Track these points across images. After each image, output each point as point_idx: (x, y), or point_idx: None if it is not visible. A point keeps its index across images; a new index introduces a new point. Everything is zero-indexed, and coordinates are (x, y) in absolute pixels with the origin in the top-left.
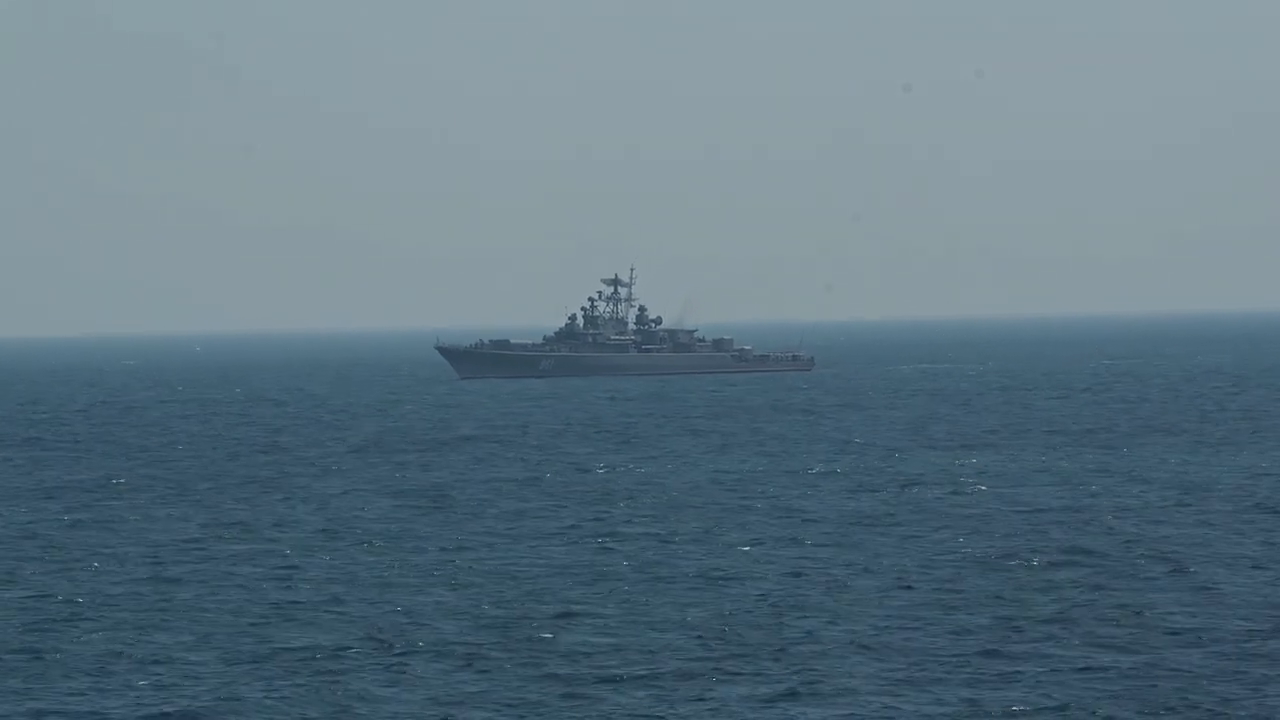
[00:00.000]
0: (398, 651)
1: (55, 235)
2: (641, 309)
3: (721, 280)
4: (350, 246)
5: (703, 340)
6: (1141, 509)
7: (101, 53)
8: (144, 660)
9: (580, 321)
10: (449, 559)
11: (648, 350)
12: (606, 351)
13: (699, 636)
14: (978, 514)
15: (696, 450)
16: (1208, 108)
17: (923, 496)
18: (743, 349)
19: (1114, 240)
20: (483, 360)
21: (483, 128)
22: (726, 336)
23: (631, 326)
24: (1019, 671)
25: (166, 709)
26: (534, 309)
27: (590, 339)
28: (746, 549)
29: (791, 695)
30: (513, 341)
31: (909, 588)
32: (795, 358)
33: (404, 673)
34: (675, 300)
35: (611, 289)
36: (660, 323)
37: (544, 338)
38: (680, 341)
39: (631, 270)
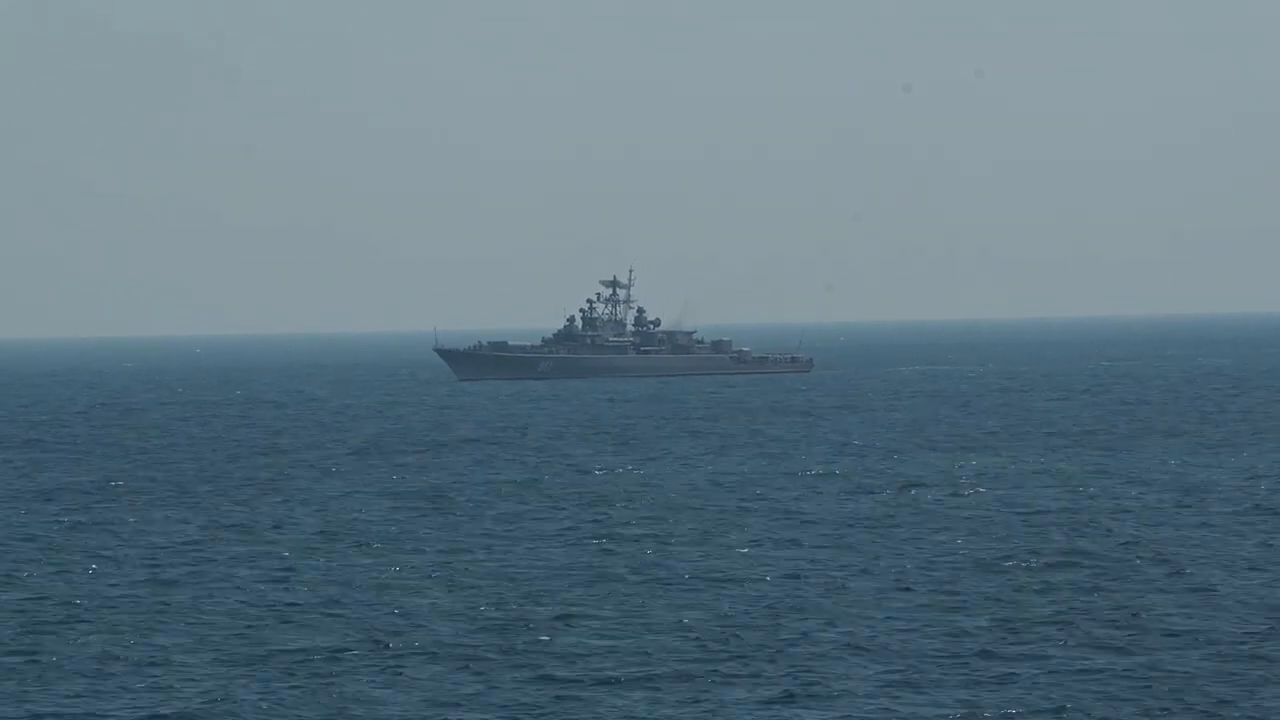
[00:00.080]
0: (395, 653)
1: (55, 235)
2: (640, 311)
3: (721, 280)
4: (350, 247)
5: (701, 342)
6: (1140, 511)
7: (101, 53)
8: (141, 662)
9: (579, 323)
10: (447, 560)
11: (646, 352)
12: (605, 353)
13: (697, 638)
14: (976, 516)
15: (695, 452)
16: (1208, 108)
17: (921, 498)
18: (741, 350)
19: (1114, 241)
20: (481, 362)
21: (483, 128)
22: (725, 338)
23: (630, 328)
24: (1016, 673)
25: (164, 711)
26: (533, 310)
27: (589, 341)
28: (745, 551)
29: (789, 697)
30: (511, 343)
31: (907, 589)
32: (794, 359)
33: (401, 674)
34: (675, 301)
35: (610, 291)
36: (659, 324)
37: (542, 339)
38: (679, 343)
39: (630, 272)
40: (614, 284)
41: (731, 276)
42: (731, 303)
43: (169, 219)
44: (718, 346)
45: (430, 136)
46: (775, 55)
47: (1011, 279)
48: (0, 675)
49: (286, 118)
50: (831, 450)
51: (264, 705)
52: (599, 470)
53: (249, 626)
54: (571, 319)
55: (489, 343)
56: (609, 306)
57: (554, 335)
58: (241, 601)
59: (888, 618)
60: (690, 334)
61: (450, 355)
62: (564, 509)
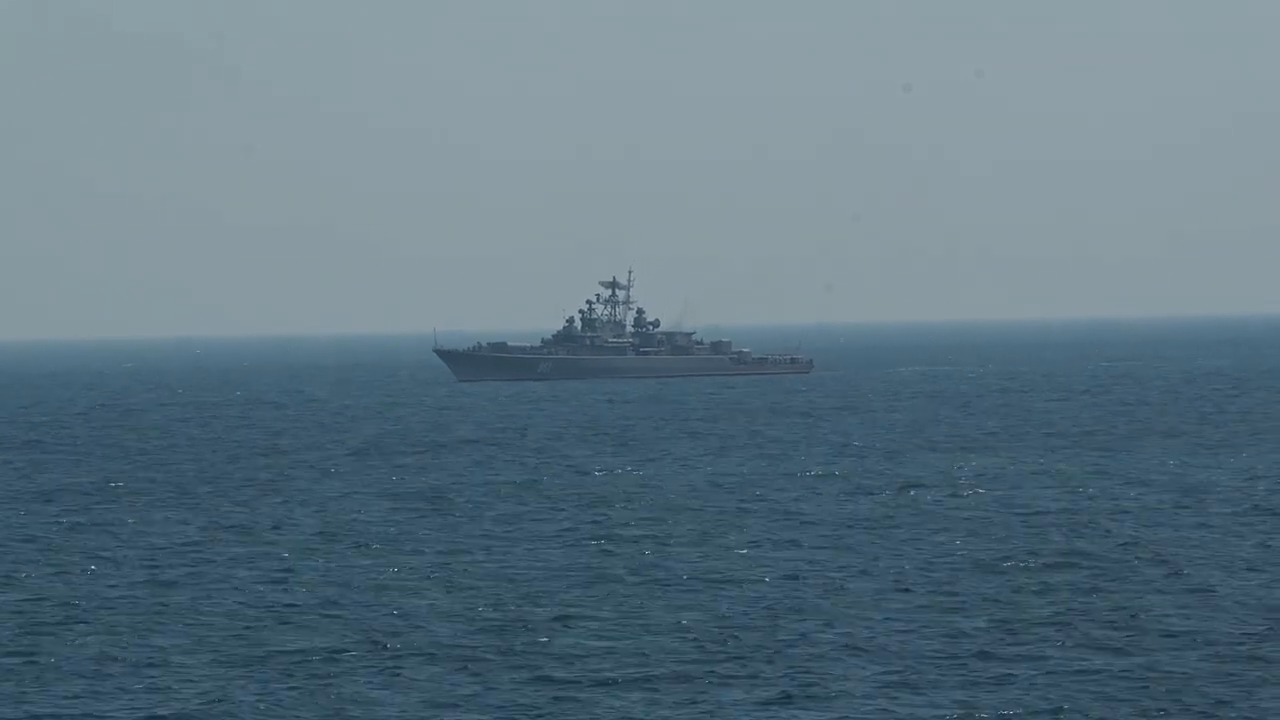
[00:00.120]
0: (393, 654)
1: (55, 235)
2: (640, 311)
3: (721, 280)
4: (350, 247)
5: (701, 343)
6: (1139, 511)
7: (101, 53)
8: (140, 663)
9: (578, 324)
10: (446, 561)
11: (646, 353)
12: (604, 354)
13: (695, 639)
14: (975, 516)
15: (694, 453)
16: (1208, 108)
17: (921, 499)
18: (741, 351)
19: (1114, 241)
20: (481, 363)
21: (483, 128)
22: (724, 339)
23: (629, 329)
24: (1014, 674)
25: (162, 712)
26: (533, 311)
27: (588, 342)
28: (744, 551)
29: (787, 698)
30: (510, 344)
31: (906, 590)
32: (793, 360)
33: (399, 675)
34: (675, 302)
35: (609, 292)
36: (658, 325)
37: (542, 340)
38: (678, 344)
39: (629, 273)
40: (613, 285)
41: (731, 277)
42: (732, 303)
43: (169, 219)
44: (717, 347)
45: (430, 136)
46: (775, 55)
47: (1011, 279)
48: None
49: (286, 118)
50: (831, 451)
51: (262, 706)
52: (598, 471)
53: (247, 627)
54: (571, 320)
55: (488, 344)
56: (608, 307)
57: (553, 336)
58: (240, 602)
59: (886, 619)
60: (689, 335)
61: (449, 356)
62: (563, 510)
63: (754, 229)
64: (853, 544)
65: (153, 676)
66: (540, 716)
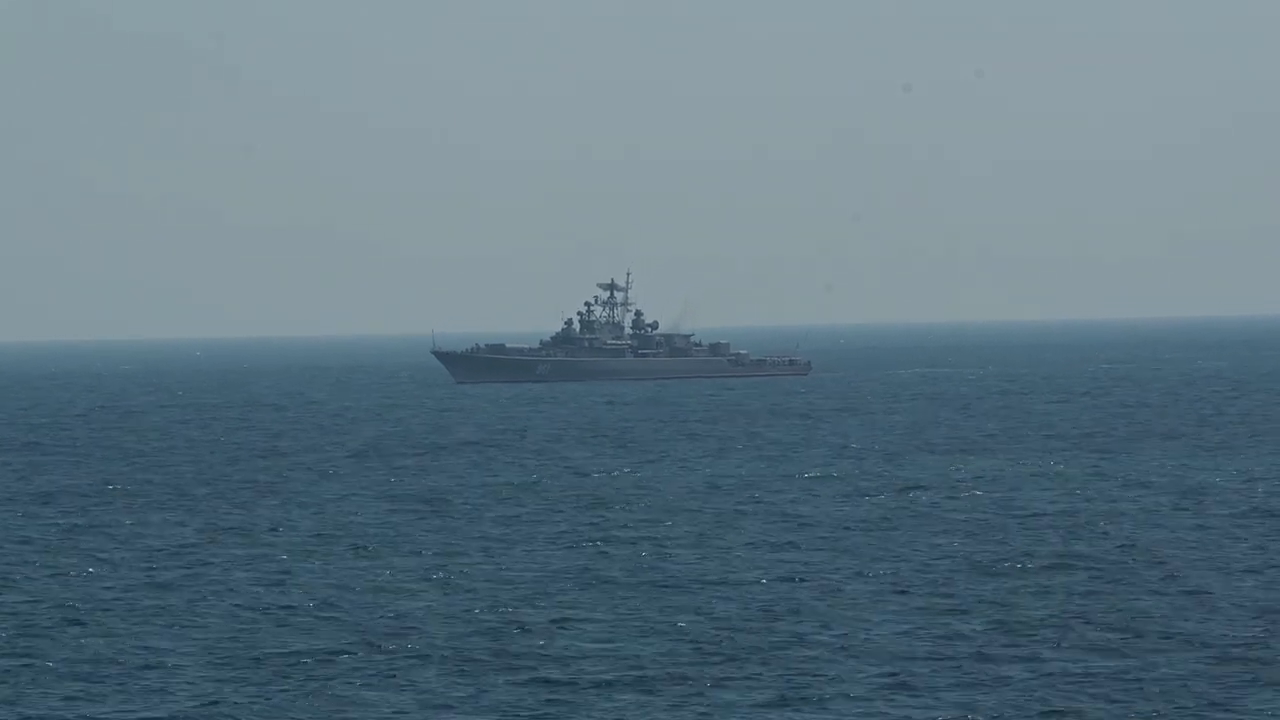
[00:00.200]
0: (390, 656)
1: (55, 235)
2: (638, 313)
3: (721, 281)
4: (350, 247)
5: (699, 345)
6: (1137, 513)
7: (101, 53)
8: (136, 665)
9: (576, 326)
10: (444, 563)
11: (644, 355)
12: (603, 356)
13: (692, 641)
14: (973, 518)
15: (693, 454)
16: (1208, 108)
17: (919, 501)
18: (739, 353)
19: (1114, 241)
20: (479, 365)
21: (483, 128)
22: (723, 341)
23: (628, 331)
24: (1011, 676)
25: (159, 714)
26: (533, 312)
27: (586, 343)
28: (741, 553)
29: (784, 700)
30: (509, 346)
31: (904, 592)
32: (792, 362)
33: (395, 677)
34: (675, 302)
35: (608, 293)
36: (656, 327)
37: (540, 342)
38: (676, 346)
39: (628, 275)
40: (611, 287)
41: (731, 277)
42: (732, 305)
43: (169, 219)
44: (715, 349)
45: (430, 136)
46: (775, 55)
47: (1011, 279)
48: None
49: (286, 118)
50: (829, 453)
51: (259, 708)
52: (597, 473)
53: (245, 629)
54: (569, 322)
55: (486, 345)
56: (606, 309)
57: (552, 338)
58: (237, 604)
59: (883, 620)
60: (688, 337)
61: (448, 358)
62: (561, 512)
63: (754, 229)
64: (850, 546)
65: (149, 678)
66: (536, 718)
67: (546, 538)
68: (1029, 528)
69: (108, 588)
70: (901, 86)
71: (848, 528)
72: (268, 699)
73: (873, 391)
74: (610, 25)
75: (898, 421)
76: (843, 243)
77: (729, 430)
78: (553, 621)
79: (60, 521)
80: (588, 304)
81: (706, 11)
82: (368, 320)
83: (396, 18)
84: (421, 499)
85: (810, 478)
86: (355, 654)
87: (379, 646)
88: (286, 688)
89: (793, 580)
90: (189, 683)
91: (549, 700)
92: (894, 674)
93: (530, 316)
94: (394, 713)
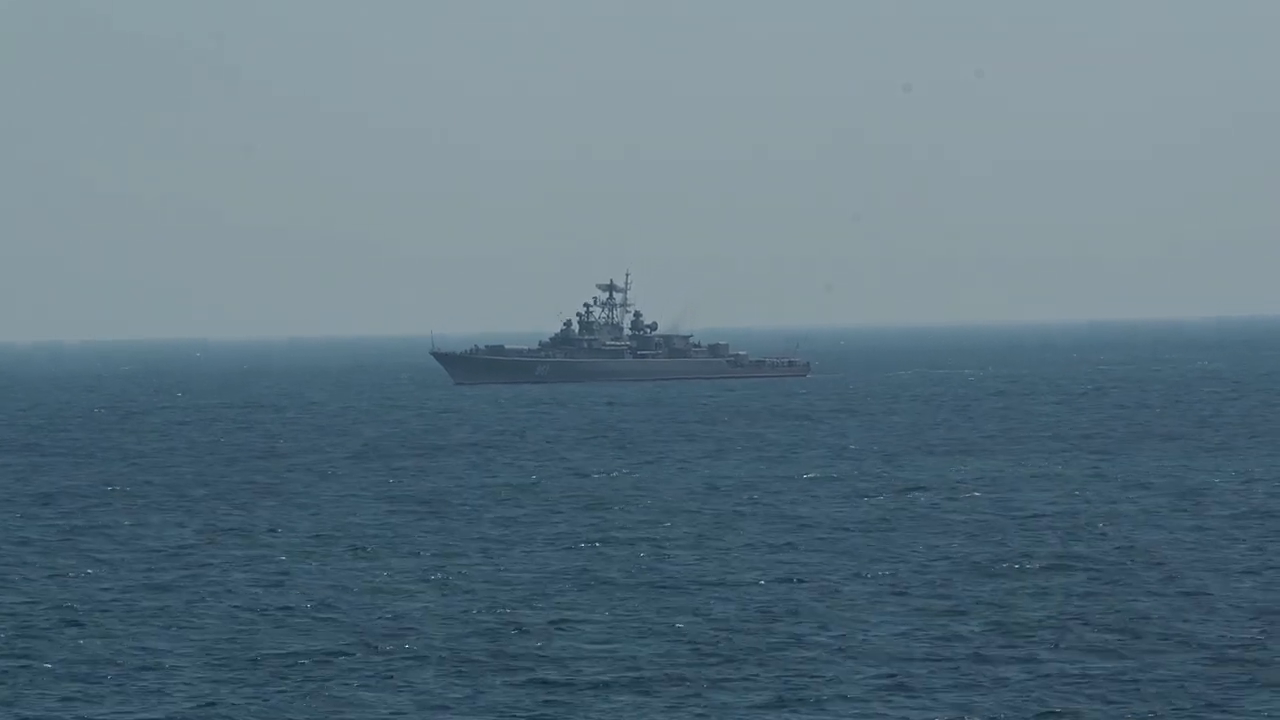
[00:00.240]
0: (388, 657)
1: (55, 235)
2: (637, 314)
3: (721, 281)
4: (350, 247)
5: (698, 346)
6: (1135, 514)
7: (101, 53)
8: (134, 666)
9: (575, 327)
10: (442, 564)
11: (643, 356)
12: (602, 357)
13: (690, 642)
14: (972, 519)
15: (692, 455)
16: (1208, 108)
17: (918, 502)
18: (738, 354)
19: (1114, 241)
20: (478, 366)
21: (483, 128)
22: (722, 342)
23: (627, 332)
24: (1009, 677)
25: (156, 715)
26: (533, 312)
27: (585, 345)
28: (740, 554)
29: (781, 702)
30: (508, 347)
31: (902, 593)
32: (791, 363)
33: (393, 678)
34: (675, 302)
35: (607, 294)
36: (655, 328)
37: (539, 343)
38: (675, 347)
39: (627, 275)
40: (610, 288)
41: (731, 277)
42: (733, 306)
43: (169, 219)
44: (714, 350)
45: (430, 136)
46: (775, 55)
47: (1010, 279)
48: None
49: (286, 118)
50: (829, 454)
51: (256, 709)
52: (596, 474)
53: (243, 630)
54: (568, 323)
55: (485, 346)
56: (605, 310)
57: (551, 339)
58: (235, 605)
59: (881, 621)
60: (687, 338)
61: (447, 359)
62: (560, 512)
63: (754, 229)
64: (849, 547)
65: (147, 679)
66: (534, 719)
67: (545, 539)
68: (1027, 529)
69: (106, 589)
70: (901, 86)
71: (846, 529)
72: (265, 700)
73: (871, 392)
74: (610, 25)
75: (897, 423)
76: (843, 243)
77: (728, 431)
78: (551, 622)
79: (59, 522)
80: (587, 305)
81: (706, 11)
82: (368, 321)
83: (396, 18)
84: (420, 500)
85: (809, 479)
86: (353, 655)
87: (377, 647)
88: (284, 689)
89: (791, 581)
90: (186, 684)
91: (546, 701)
92: (892, 675)
93: (530, 317)
94: (392, 714)
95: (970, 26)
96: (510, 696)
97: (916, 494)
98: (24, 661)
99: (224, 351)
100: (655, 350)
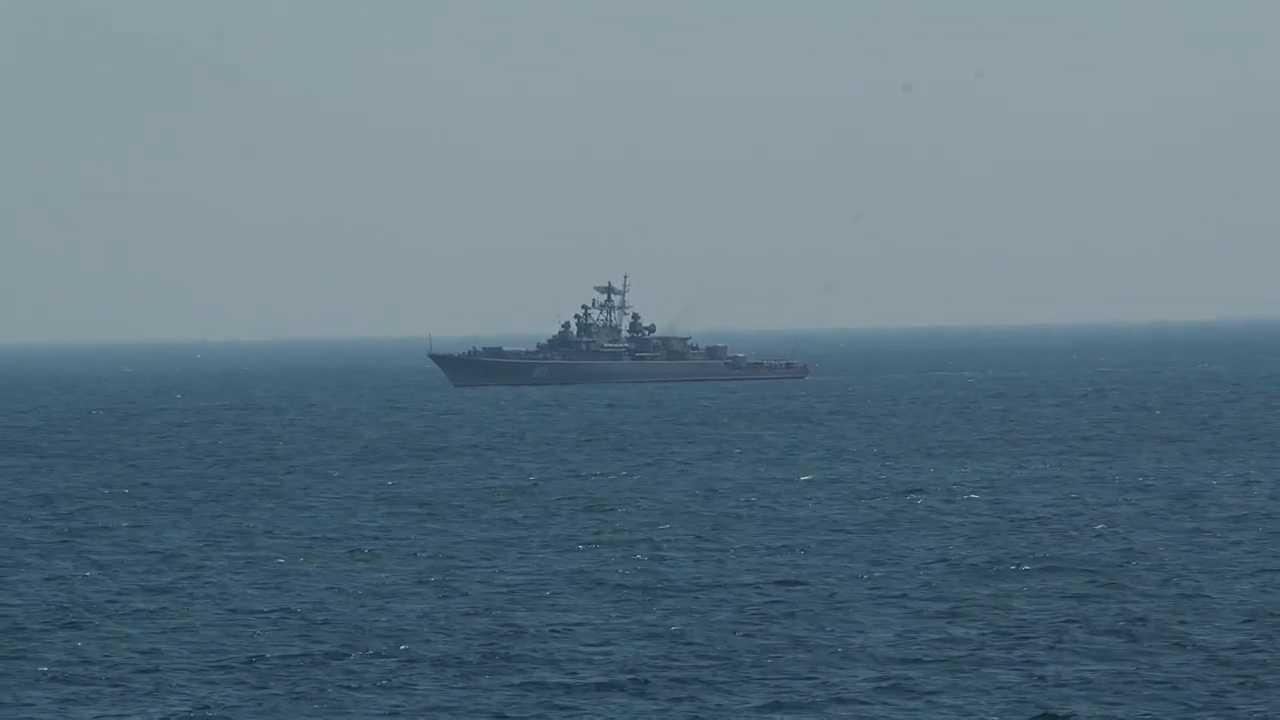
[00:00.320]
0: (386, 659)
1: (55, 235)
2: (635, 316)
3: (721, 281)
4: (350, 247)
5: (696, 348)
6: (1134, 517)
7: (101, 53)
8: (131, 668)
9: (574, 329)
10: (440, 566)
11: (641, 358)
12: (600, 359)
13: (688, 645)
14: (970, 522)
15: (691, 457)
16: (1208, 108)
17: (916, 504)
18: (736, 356)
19: (1114, 241)
20: (477, 368)
21: (483, 128)
22: (720, 344)
23: (625, 334)
24: (1007, 680)
25: (154, 717)
26: (533, 313)
27: (584, 347)
28: (738, 556)
29: (779, 704)
30: (506, 349)
31: (900, 595)
32: (789, 365)
33: (391, 680)
34: (675, 303)
35: (605, 296)
36: (654, 330)
37: (537, 345)
38: (674, 349)
39: (625, 277)
40: (609, 290)
41: (731, 277)
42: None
43: (169, 219)
44: (712, 352)
45: (430, 136)
46: (775, 55)
47: (1010, 279)
48: None
49: (286, 118)
50: (827, 456)
51: (253, 711)
52: (594, 476)
53: (240, 632)
54: (566, 325)
55: (484, 348)
56: (604, 312)
57: (549, 341)
58: (233, 608)
59: (880, 624)
60: (685, 340)
61: (445, 361)
62: (559, 514)
63: (754, 229)
64: (847, 549)
65: (143, 681)
66: None
67: (544, 540)
68: (1025, 531)
69: (104, 590)
70: (901, 86)
71: (845, 531)
72: (261, 702)
73: (870, 395)
74: (610, 25)
75: (895, 425)
76: (843, 243)
77: (726, 433)
78: (548, 625)
79: (57, 524)
80: (585, 307)
81: (706, 11)
82: (367, 322)
83: (396, 18)
84: (419, 502)
85: (807, 481)
86: (350, 657)
87: (376, 650)
88: (281, 691)
89: (788, 583)
90: (182, 686)
91: (544, 703)
92: (889, 677)
93: (529, 318)
94: (390, 716)
95: (970, 26)
96: (508, 699)
97: (915, 496)
98: (21, 662)
99: (223, 352)
100: (653, 352)
